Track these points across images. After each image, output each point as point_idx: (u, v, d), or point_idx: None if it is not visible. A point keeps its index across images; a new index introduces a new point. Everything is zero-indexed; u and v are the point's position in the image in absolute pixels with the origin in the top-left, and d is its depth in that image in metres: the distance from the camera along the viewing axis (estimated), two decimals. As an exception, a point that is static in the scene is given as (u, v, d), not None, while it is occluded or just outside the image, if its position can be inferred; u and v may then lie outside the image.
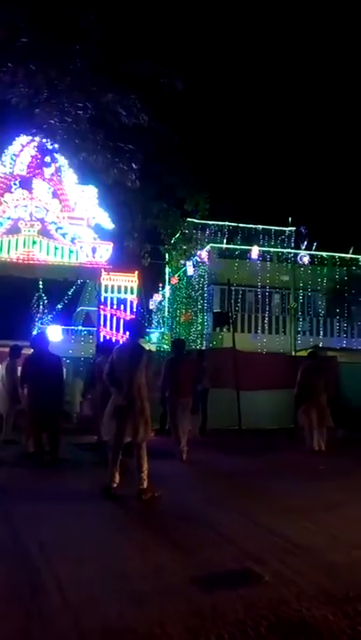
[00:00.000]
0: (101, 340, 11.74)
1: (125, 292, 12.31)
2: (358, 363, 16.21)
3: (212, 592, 2.92)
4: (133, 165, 10.81)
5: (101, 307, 12.16)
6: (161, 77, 9.80)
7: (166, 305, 31.21)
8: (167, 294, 30.99)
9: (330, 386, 9.01)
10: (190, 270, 25.94)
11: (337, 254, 25.80)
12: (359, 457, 8.43)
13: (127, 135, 10.99)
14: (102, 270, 12.24)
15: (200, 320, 25.28)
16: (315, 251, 25.70)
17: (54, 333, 19.14)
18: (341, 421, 12.77)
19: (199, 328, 25.28)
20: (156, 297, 33.26)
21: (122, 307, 12.09)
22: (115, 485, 5.09)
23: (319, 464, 7.26)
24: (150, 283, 28.07)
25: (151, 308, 33.16)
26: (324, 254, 25.80)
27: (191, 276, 26.39)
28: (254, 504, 4.91)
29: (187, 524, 4.23)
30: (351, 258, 25.52)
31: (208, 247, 24.44)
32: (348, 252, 25.46)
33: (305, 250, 25.61)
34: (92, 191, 12.53)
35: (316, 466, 7.15)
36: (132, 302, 12.32)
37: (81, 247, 12.16)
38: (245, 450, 9.09)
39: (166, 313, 31.09)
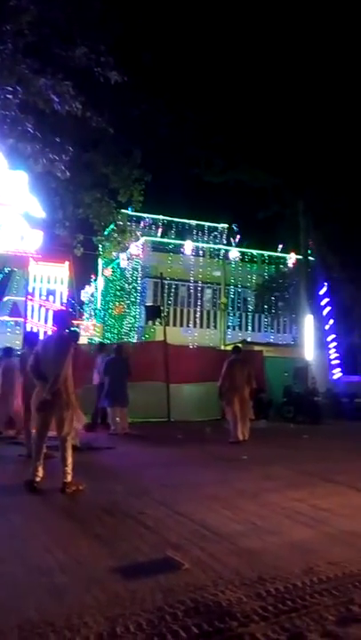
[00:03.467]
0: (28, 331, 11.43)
1: (55, 283, 12.04)
2: (283, 357, 16.93)
3: (132, 581, 2.98)
4: (63, 156, 10.58)
5: (29, 297, 11.82)
6: (96, 66, 9.66)
7: (99, 297, 30.84)
8: (100, 286, 30.62)
9: (253, 379, 9.37)
10: (124, 263, 25.79)
11: (266, 252, 26.69)
12: (280, 447, 8.84)
13: (59, 122, 10.72)
14: (31, 259, 11.89)
15: (133, 313, 25.23)
16: (245, 248, 26.41)
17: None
18: (265, 413, 13.31)
19: (132, 321, 25.24)
20: (89, 289, 32.75)
21: (51, 297, 11.82)
22: (38, 479, 5.03)
23: (242, 454, 7.54)
24: (82, 274, 27.59)
25: (83, 299, 32.62)
26: (254, 252, 26.61)
27: (125, 269, 26.25)
28: (178, 494, 5.03)
29: (110, 516, 4.26)
30: (279, 256, 26.50)
31: (142, 240, 24.41)
32: (276, 251, 26.40)
33: (236, 247, 26.24)
34: (21, 177, 12.11)
35: (239, 456, 7.42)
36: (62, 293, 12.07)
37: (8, 234, 11.73)
38: (172, 441, 9.25)
39: (98, 305, 30.73)
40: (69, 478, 5.03)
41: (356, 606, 2.72)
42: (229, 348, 18.90)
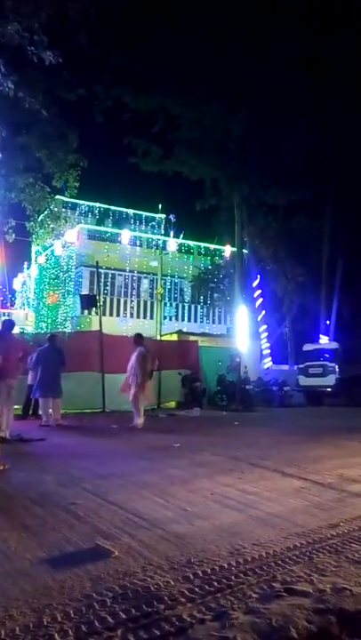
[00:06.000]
0: None
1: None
2: (217, 347, 17.27)
3: (61, 571, 2.96)
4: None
5: None
6: (29, 45, 9.28)
7: (32, 285, 29.95)
8: (33, 274, 29.73)
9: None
10: (59, 250, 25.20)
11: (202, 244, 27.04)
12: (211, 434, 9.05)
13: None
14: None
15: (68, 302, 24.75)
16: (182, 239, 26.61)
17: None
18: (199, 401, 13.57)
19: (67, 310, 24.75)
20: (21, 276, 31.72)
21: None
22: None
23: (175, 442, 7.65)
24: (14, 261, 26.70)
25: (15, 287, 31.58)
26: (191, 243, 26.87)
27: (59, 257, 25.65)
28: (110, 483, 5.03)
29: (39, 507, 4.20)
30: (215, 248, 26.92)
31: (78, 227, 23.93)
32: (212, 243, 26.80)
33: (173, 237, 26.38)
34: None
35: (171, 444, 7.52)
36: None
37: None
38: (106, 432, 9.23)
39: (32, 294, 29.84)
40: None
41: (277, 583, 2.86)
42: (165, 338, 19.04)
